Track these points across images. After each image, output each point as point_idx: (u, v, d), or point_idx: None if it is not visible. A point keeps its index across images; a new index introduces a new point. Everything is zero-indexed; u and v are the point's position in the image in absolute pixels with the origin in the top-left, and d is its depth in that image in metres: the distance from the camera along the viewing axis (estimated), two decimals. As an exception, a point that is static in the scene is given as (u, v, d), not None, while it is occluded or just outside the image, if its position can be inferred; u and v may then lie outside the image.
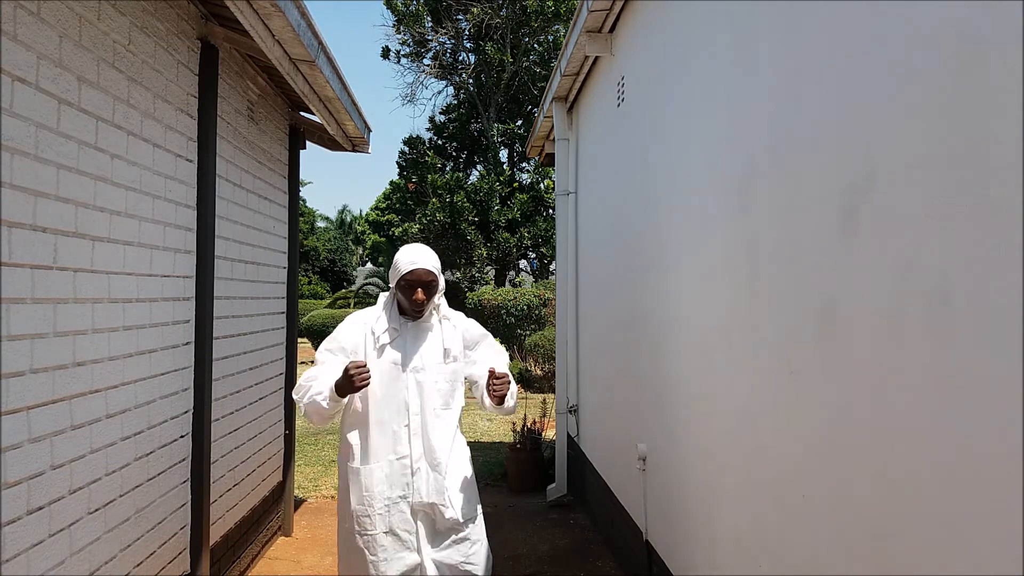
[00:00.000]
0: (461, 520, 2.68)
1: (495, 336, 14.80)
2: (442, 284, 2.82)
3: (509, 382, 2.68)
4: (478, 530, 2.76)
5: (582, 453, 5.41)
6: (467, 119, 20.12)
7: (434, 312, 2.83)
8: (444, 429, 2.73)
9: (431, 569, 2.63)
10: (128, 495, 2.61)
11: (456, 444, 2.79)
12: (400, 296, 2.75)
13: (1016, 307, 1.15)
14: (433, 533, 2.69)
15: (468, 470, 2.80)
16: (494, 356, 2.92)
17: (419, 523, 2.67)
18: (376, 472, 2.68)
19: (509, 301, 13.95)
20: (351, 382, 2.49)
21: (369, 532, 2.66)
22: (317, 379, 2.65)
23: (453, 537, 2.68)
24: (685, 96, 3.00)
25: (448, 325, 2.85)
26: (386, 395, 2.70)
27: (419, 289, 2.69)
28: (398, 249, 2.87)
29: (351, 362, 2.52)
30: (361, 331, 2.78)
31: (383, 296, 2.89)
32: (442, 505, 2.66)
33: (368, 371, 2.54)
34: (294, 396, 2.72)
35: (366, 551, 2.65)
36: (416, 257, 2.70)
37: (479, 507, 2.80)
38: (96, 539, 2.39)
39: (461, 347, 2.85)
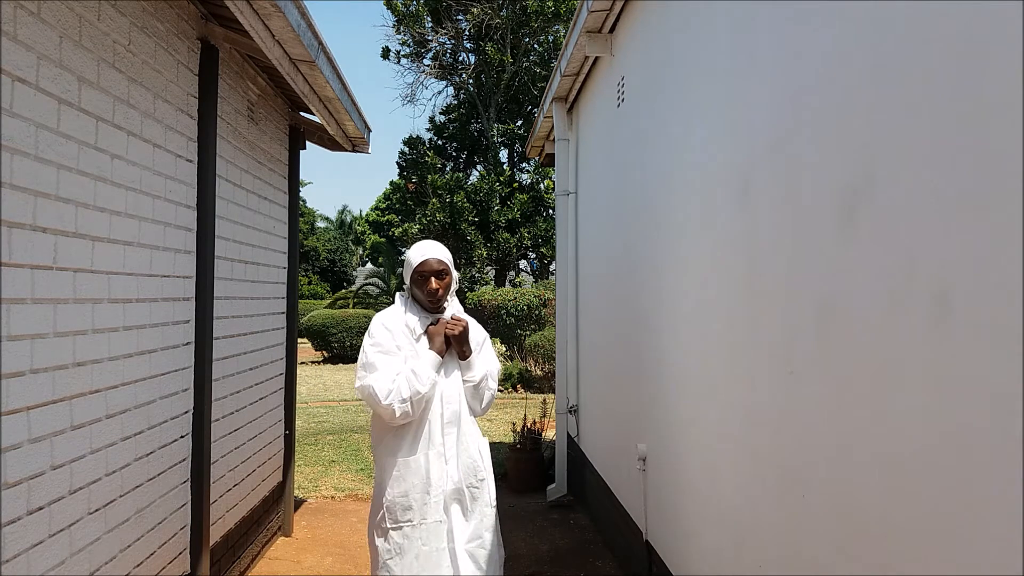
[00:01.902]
0: (492, 505, 2.77)
1: (494, 337, 14.67)
2: (455, 277, 2.87)
3: (463, 326, 2.73)
4: (494, 518, 2.83)
5: (582, 453, 5.41)
6: (467, 119, 20.13)
7: (448, 308, 2.87)
8: (472, 418, 2.82)
9: (463, 558, 2.65)
10: (128, 495, 2.61)
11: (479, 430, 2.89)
12: (416, 291, 2.80)
13: (1016, 307, 1.15)
14: (464, 523, 2.71)
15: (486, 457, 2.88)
16: (487, 361, 2.90)
17: (451, 514, 2.68)
18: (413, 464, 2.67)
19: (509, 301, 13.95)
20: (448, 330, 2.72)
21: (408, 523, 2.64)
22: (401, 372, 2.64)
23: (487, 526, 2.74)
24: (685, 96, 3.00)
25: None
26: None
27: (432, 279, 2.75)
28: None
29: (441, 320, 2.77)
30: (396, 328, 2.76)
31: (399, 297, 2.88)
32: (475, 488, 2.73)
33: (463, 322, 2.77)
34: (396, 401, 2.59)
35: (404, 542, 2.64)
36: (426, 249, 2.79)
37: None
38: (96, 539, 2.39)
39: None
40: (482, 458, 2.79)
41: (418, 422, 2.71)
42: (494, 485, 2.82)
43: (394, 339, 2.73)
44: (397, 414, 2.60)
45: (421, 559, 2.61)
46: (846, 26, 1.69)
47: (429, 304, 2.78)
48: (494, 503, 2.79)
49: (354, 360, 16.59)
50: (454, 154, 20.73)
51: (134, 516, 2.66)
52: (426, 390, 2.63)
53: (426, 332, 2.77)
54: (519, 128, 19.30)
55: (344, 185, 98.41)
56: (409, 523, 2.64)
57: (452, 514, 2.68)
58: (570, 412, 5.77)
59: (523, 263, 20.27)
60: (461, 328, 2.74)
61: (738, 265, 2.38)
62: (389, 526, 2.66)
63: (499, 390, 11.78)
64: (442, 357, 2.73)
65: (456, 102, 20.46)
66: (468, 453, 2.75)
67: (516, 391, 11.89)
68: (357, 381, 2.70)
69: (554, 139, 6.07)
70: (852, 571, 1.65)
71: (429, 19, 19.11)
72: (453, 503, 2.69)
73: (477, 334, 2.92)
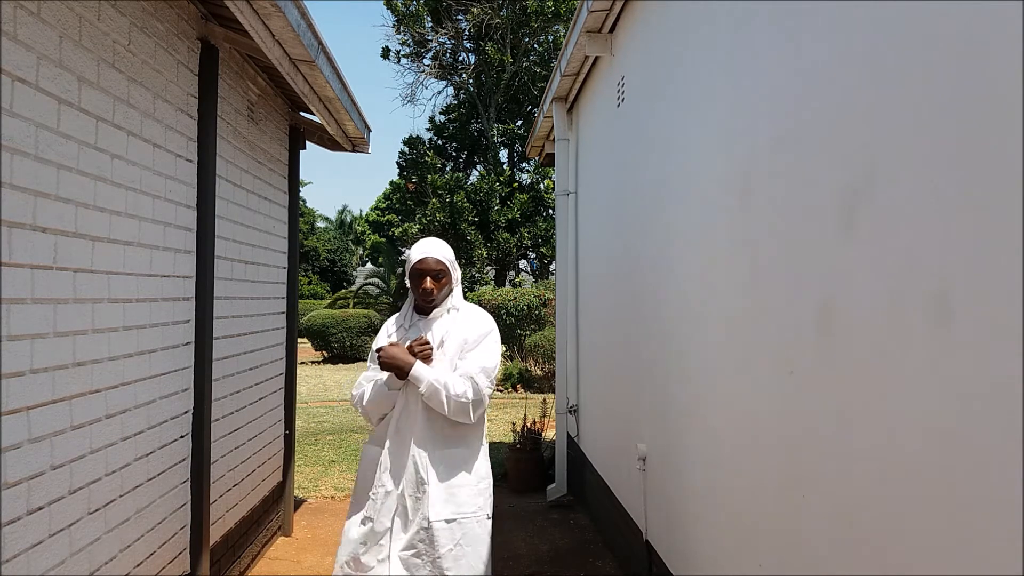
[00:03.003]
0: (431, 520, 2.59)
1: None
2: (456, 275, 2.84)
3: (425, 348, 2.67)
4: (458, 534, 2.63)
5: (582, 453, 5.41)
6: (467, 119, 20.13)
7: (444, 306, 2.83)
8: (431, 424, 2.68)
9: (396, 567, 2.58)
10: (128, 495, 2.61)
11: (457, 441, 2.71)
12: (412, 289, 2.80)
13: (1016, 307, 1.15)
14: (406, 529, 2.63)
15: (460, 467, 2.69)
16: (474, 357, 2.74)
17: (396, 518, 2.63)
18: (370, 456, 2.79)
19: (509, 301, 13.95)
20: (415, 357, 2.67)
21: (355, 515, 2.72)
22: (374, 380, 2.81)
23: (422, 537, 2.59)
24: (685, 96, 3.00)
25: (456, 316, 2.80)
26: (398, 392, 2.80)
27: (427, 278, 2.72)
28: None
29: (415, 340, 2.71)
30: (383, 335, 2.92)
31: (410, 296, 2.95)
32: (417, 498, 2.63)
33: (429, 345, 2.70)
34: (353, 400, 2.85)
35: (353, 533, 2.70)
36: (426, 247, 2.76)
37: (471, 512, 2.67)
38: (96, 539, 2.39)
39: (463, 338, 2.75)
40: (425, 471, 2.63)
41: (384, 421, 2.79)
42: (445, 499, 2.63)
43: (380, 344, 2.87)
44: (357, 410, 2.88)
45: (367, 557, 2.65)
46: (846, 26, 1.69)
47: (422, 302, 2.78)
48: (445, 518, 2.61)
49: (354, 360, 16.71)
50: (454, 154, 20.73)
51: (134, 516, 2.66)
52: (364, 403, 2.79)
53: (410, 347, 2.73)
54: (519, 128, 19.29)
55: (344, 185, 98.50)
56: (357, 516, 2.74)
57: (396, 520, 2.65)
58: (570, 412, 5.77)
59: (523, 263, 20.27)
60: (388, 356, 2.66)
61: (738, 265, 2.38)
62: (356, 511, 2.76)
63: (498, 390, 11.72)
64: (401, 379, 2.68)
65: (456, 102, 20.46)
66: (411, 463, 2.66)
67: (516, 391, 11.89)
68: None
69: (554, 139, 6.06)
70: (852, 571, 1.65)
71: (429, 19, 19.11)
72: (399, 507, 2.66)
73: (476, 328, 2.78)
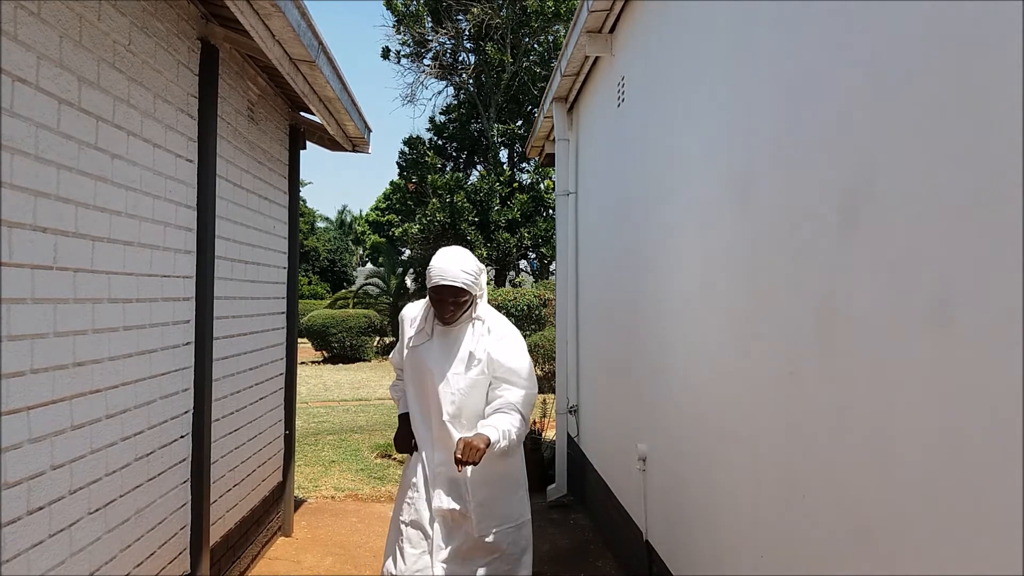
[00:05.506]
0: (476, 536, 2.65)
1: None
2: (482, 285, 2.74)
3: (475, 453, 2.43)
4: (499, 544, 2.69)
5: (582, 453, 5.41)
6: (467, 119, 20.13)
7: (469, 318, 2.77)
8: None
9: (438, 571, 2.62)
10: (128, 495, 2.61)
11: (495, 455, 2.63)
12: (431, 302, 2.75)
13: (1016, 307, 1.15)
14: (448, 539, 2.66)
15: (500, 482, 2.71)
16: (516, 388, 2.68)
17: (436, 526, 2.65)
18: (412, 464, 2.76)
19: (509, 301, 13.95)
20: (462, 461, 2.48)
21: (399, 518, 2.72)
22: (400, 388, 2.94)
23: (466, 549, 2.65)
24: (686, 96, 3.00)
25: (480, 328, 2.74)
26: (416, 397, 2.77)
27: (445, 303, 2.67)
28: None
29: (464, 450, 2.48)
30: (406, 327, 2.90)
31: None
32: (460, 513, 2.66)
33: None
34: (392, 392, 3.00)
35: (396, 534, 2.71)
36: (445, 271, 2.60)
37: (513, 521, 2.72)
38: (96, 539, 2.39)
39: (493, 357, 2.68)
40: (467, 488, 2.65)
41: (416, 426, 2.78)
42: (487, 512, 2.66)
43: (403, 335, 2.90)
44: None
45: (410, 561, 2.64)
46: (846, 26, 1.69)
47: (441, 321, 2.73)
48: (487, 532, 2.65)
49: (354, 360, 16.72)
50: (454, 154, 20.72)
51: (134, 516, 2.65)
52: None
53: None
54: (519, 128, 19.29)
55: (344, 185, 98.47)
56: (400, 519, 2.72)
57: (436, 530, 2.66)
58: (570, 412, 5.77)
59: (523, 263, 20.27)
60: (473, 461, 2.46)
61: (738, 265, 2.38)
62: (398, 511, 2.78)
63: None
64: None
65: (456, 102, 20.45)
66: (453, 477, 2.67)
67: (516, 391, 11.86)
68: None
69: (554, 139, 6.06)
70: (852, 571, 1.65)
71: (429, 19, 19.10)
72: (440, 517, 2.67)
73: (509, 349, 2.71)
